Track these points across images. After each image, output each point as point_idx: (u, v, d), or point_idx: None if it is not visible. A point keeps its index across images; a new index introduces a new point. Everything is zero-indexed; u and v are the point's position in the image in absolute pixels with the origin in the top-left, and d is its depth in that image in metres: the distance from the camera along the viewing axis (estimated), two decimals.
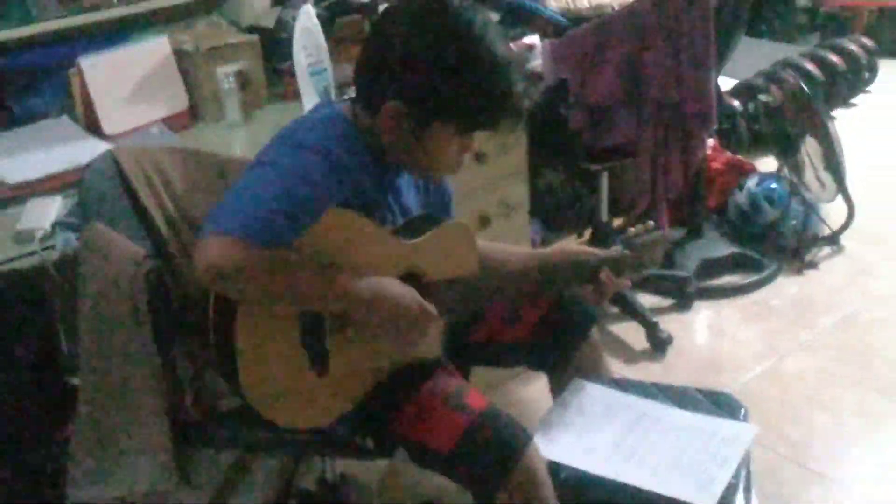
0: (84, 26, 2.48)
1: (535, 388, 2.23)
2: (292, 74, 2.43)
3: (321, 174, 1.54)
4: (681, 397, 1.82)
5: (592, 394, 1.81)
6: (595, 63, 2.69)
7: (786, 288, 3.27)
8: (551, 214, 3.29)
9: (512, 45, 2.73)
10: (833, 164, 3.46)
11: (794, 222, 3.42)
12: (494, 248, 1.90)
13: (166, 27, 2.62)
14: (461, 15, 1.56)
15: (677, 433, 1.70)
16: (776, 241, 3.43)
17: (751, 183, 3.55)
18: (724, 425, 1.72)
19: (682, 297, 3.16)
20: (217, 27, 2.70)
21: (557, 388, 1.88)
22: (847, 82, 4.70)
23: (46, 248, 1.82)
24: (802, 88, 3.65)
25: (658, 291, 3.20)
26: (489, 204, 2.58)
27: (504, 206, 2.63)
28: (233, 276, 1.44)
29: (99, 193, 1.77)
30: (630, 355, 2.93)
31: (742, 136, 4.06)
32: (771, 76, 4.08)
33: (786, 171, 3.54)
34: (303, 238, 1.50)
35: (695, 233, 3.42)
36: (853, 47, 4.77)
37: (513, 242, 2.22)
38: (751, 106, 4.05)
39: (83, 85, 2.33)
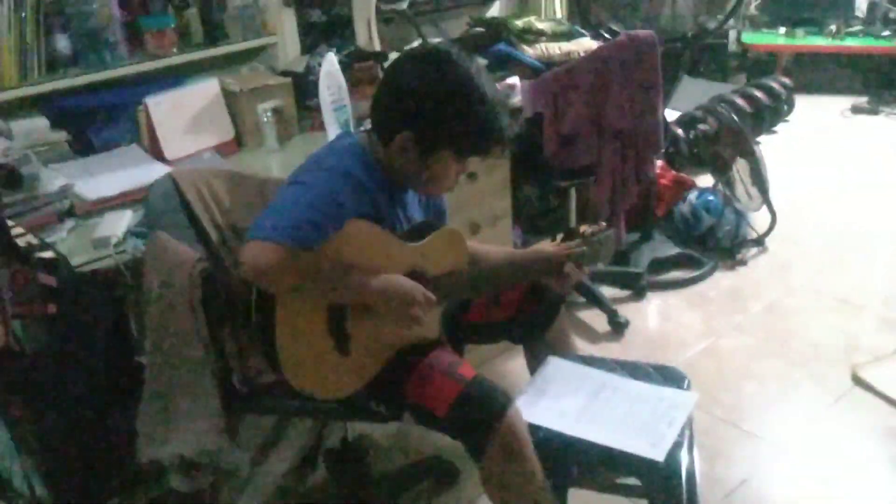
0: (149, 71, 2.47)
1: (514, 364, 2.22)
2: (318, 110, 2.42)
3: (343, 191, 1.55)
4: (635, 370, 1.81)
5: (563, 368, 1.81)
6: (565, 98, 2.69)
7: (721, 281, 3.26)
8: (530, 222, 3.29)
9: (497, 85, 2.73)
10: (759, 180, 3.46)
11: (727, 228, 3.41)
12: (481, 247, 1.91)
13: (216, 72, 2.62)
14: (460, 63, 1.57)
15: (633, 399, 1.70)
16: (713, 243, 3.42)
17: (692, 196, 3.54)
18: (670, 393, 1.72)
19: (637, 289, 3.16)
20: (257, 71, 2.70)
21: (532, 361, 1.89)
22: (770, 114, 4.69)
23: (119, 253, 1.83)
24: (733, 119, 3.64)
25: (617, 284, 3.19)
26: (479, 214, 2.57)
27: (491, 215, 2.63)
28: (270, 273, 1.44)
29: (161, 207, 1.78)
30: (594, 336, 2.92)
31: (685, 157, 4.04)
32: (708, 109, 4.07)
33: (720, 186, 3.53)
34: (329, 243, 1.50)
35: (647, 236, 3.41)
36: (774, 85, 4.76)
37: (498, 245, 2.21)
38: (692, 133, 4.04)
39: (148, 119, 2.33)
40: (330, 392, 1.63)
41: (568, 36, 3.21)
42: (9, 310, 1.63)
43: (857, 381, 2.55)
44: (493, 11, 3.85)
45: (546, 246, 1.81)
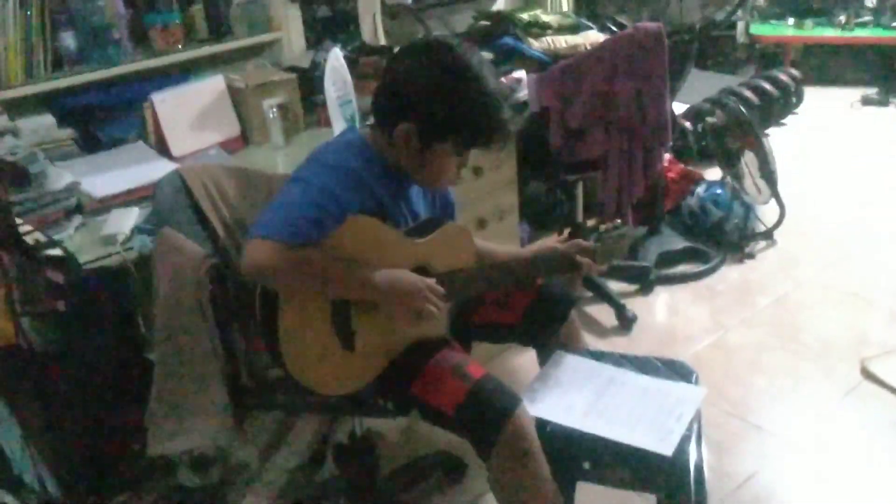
0: (155, 68, 2.49)
1: (524, 360, 2.23)
2: (324, 105, 2.43)
3: (343, 187, 1.55)
4: (643, 365, 1.82)
5: (571, 362, 1.81)
6: (571, 93, 2.69)
7: (729, 275, 3.25)
8: (537, 217, 3.29)
9: (503, 79, 2.73)
10: (767, 173, 3.45)
11: (735, 221, 3.41)
12: (489, 245, 1.91)
13: (221, 68, 2.63)
14: (462, 55, 1.57)
15: (641, 394, 1.70)
16: (721, 237, 3.41)
17: (700, 189, 3.54)
18: (679, 387, 1.72)
19: (645, 283, 3.15)
20: (262, 68, 2.70)
21: (543, 359, 1.89)
22: (778, 106, 4.68)
23: (127, 249, 1.84)
24: (742, 111, 3.63)
25: (625, 279, 3.19)
26: (486, 209, 2.58)
27: (498, 210, 2.63)
28: (270, 270, 1.46)
29: (168, 204, 1.78)
30: (602, 331, 2.92)
31: (692, 150, 4.04)
32: (716, 102, 4.06)
33: (728, 179, 3.53)
34: (332, 239, 1.51)
35: (654, 230, 3.41)
36: (783, 77, 4.75)
37: (505, 241, 2.22)
38: (699, 126, 4.04)
39: (155, 116, 2.34)
40: (334, 388, 1.63)
41: (574, 29, 3.21)
42: (18, 307, 1.64)
43: (867, 374, 2.55)
44: (499, 5, 3.84)
45: (553, 241, 1.81)
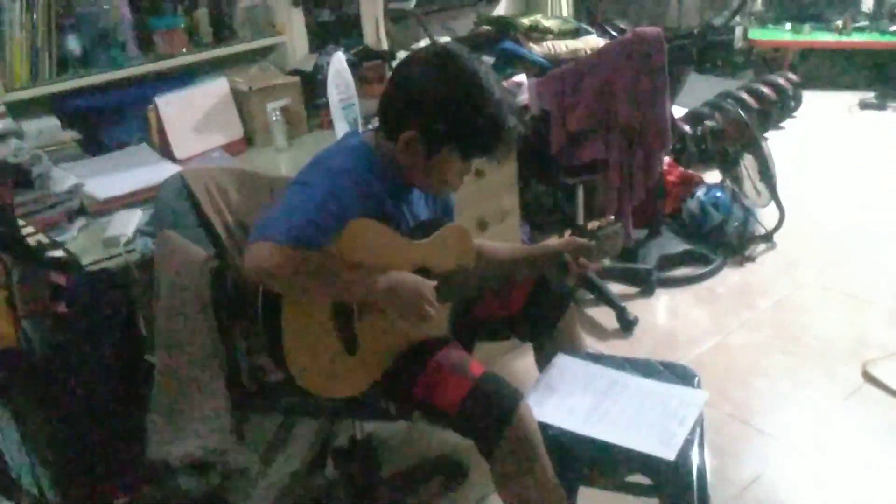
0: (159, 71, 2.46)
1: (524, 363, 2.19)
2: (327, 108, 2.40)
3: (346, 191, 1.53)
4: (645, 368, 1.79)
5: (573, 366, 1.78)
6: (571, 97, 2.66)
7: (730, 277, 3.22)
8: (537, 219, 3.26)
9: (504, 83, 2.70)
10: (767, 176, 3.42)
11: (735, 224, 3.38)
12: (488, 244, 1.89)
13: (225, 71, 2.60)
14: (467, 64, 1.55)
15: (643, 398, 1.67)
16: (721, 240, 3.38)
17: (700, 192, 3.51)
18: (681, 391, 1.69)
19: (646, 285, 3.12)
20: (266, 71, 2.68)
21: (541, 359, 1.87)
22: (777, 109, 4.65)
23: (129, 251, 1.81)
24: (740, 115, 3.61)
25: (625, 281, 3.16)
26: (487, 211, 2.55)
27: (499, 212, 2.60)
28: (273, 273, 1.44)
29: (171, 206, 1.76)
30: (603, 334, 2.89)
31: (692, 154, 4.00)
32: (715, 105, 4.03)
33: (728, 182, 3.50)
34: (334, 242, 1.49)
35: (655, 233, 3.38)
36: (781, 81, 4.71)
37: (506, 241, 2.19)
38: (699, 129, 4.00)
39: (158, 118, 2.31)
40: (337, 391, 1.61)
41: (574, 34, 3.19)
42: (19, 309, 1.62)
43: (868, 377, 2.51)
44: (500, 10, 3.82)
45: (553, 242, 1.78)
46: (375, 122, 1.68)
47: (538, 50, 3.00)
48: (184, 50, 2.49)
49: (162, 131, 2.31)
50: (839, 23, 5.27)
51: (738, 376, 2.59)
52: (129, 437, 1.74)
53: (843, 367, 2.58)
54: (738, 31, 5.50)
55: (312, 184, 1.54)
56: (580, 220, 2.95)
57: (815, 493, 2.11)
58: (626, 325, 2.89)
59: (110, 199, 2.01)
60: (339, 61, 2.35)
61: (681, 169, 3.68)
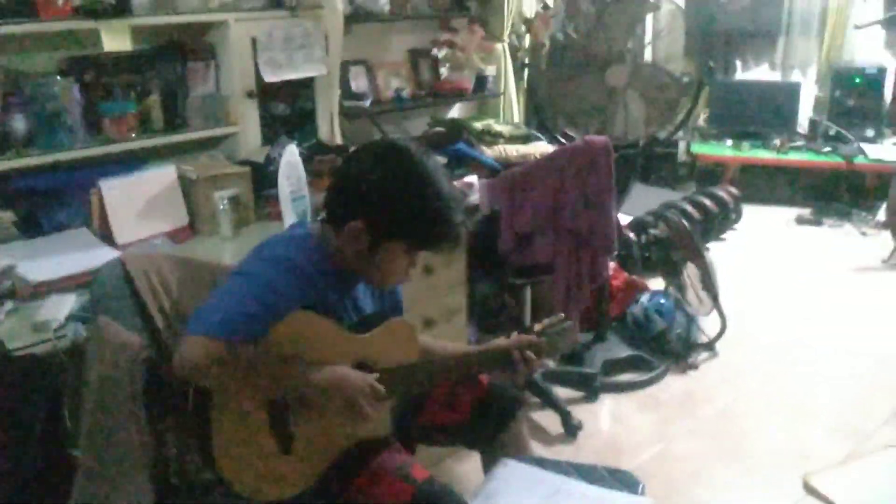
0: (105, 155, 2.44)
1: (469, 466, 2.15)
2: (276, 199, 2.40)
3: (286, 283, 1.51)
4: (590, 474, 1.76)
5: (517, 470, 1.74)
6: (521, 199, 2.72)
7: (673, 384, 3.24)
8: (484, 319, 3.26)
9: (455, 182, 2.75)
10: (709, 285, 3.50)
11: (679, 331, 3.43)
12: (433, 341, 1.87)
13: (175, 158, 2.59)
14: (417, 158, 1.57)
15: None
16: (665, 346, 3.42)
17: (644, 298, 3.56)
18: (625, 499, 1.67)
19: (590, 390, 3.12)
20: (216, 160, 2.68)
21: (488, 465, 1.82)
22: (718, 221, 4.81)
23: (59, 337, 1.74)
24: (684, 225, 3.71)
25: (570, 385, 3.15)
26: (434, 308, 2.54)
27: (446, 311, 2.60)
28: (205, 369, 1.40)
29: (107, 292, 1.71)
30: (547, 438, 2.85)
31: (637, 260, 4.10)
32: (659, 215, 4.15)
33: (671, 289, 3.57)
34: (272, 335, 1.46)
35: (600, 338, 3.40)
36: (722, 194, 4.89)
37: (452, 341, 2.17)
38: (643, 237, 4.11)
39: (101, 203, 2.28)
40: (271, 495, 1.54)
41: (525, 139, 3.29)
42: None
43: (810, 489, 2.52)
44: (454, 113, 3.93)
45: (502, 341, 1.77)
46: (324, 214, 1.68)
47: (490, 153, 3.08)
48: (133, 135, 2.48)
49: (104, 215, 2.28)
50: (777, 142, 5.54)
51: (681, 486, 2.56)
52: None
53: (785, 478, 2.58)
54: (682, 145, 5.73)
55: (251, 273, 1.52)
56: (527, 321, 2.96)
57: None
58: (571, 429, 2.87)
59: (44, 283, 1.95)
60: (291, 153, 2.36)
61: (626, 274, 3.74)
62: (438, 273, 2.51)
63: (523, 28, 4.27)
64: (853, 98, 5.54)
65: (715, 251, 4.10)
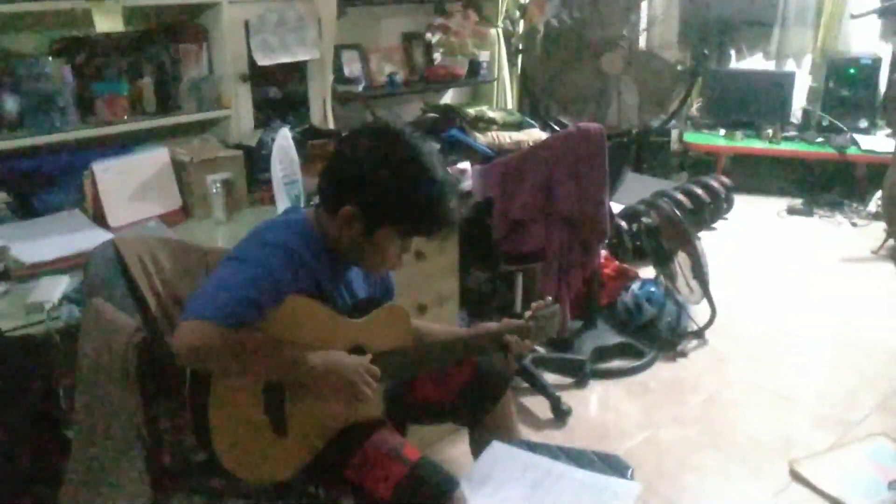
0: (98, 137, 2.45)
1: (458, 450, 2.18)
2: (269, 184, 2.41)
3: (281, 267, 1.53)
4: (579, 458, 1.79)
5: (507, 454, 1.78)
6: (514, 186, 2.74)
7: (662, 372, 3.28)
8: (476, 306, 3.29)
9: (449, 169, 2.77)
10: (699, 274, 3.54)
11: (668, 319, 3.46)
12: (426, 325, 1.90)
13: (167, 141, 2.60)
14: (412, 143, 1.58)
15: (576, 488, 1.67)
16: (654, 334, 3.46)
17: (635, 286, 3.59)
18: (614, 483, 1.70)
19: (580, 376, 3.16)
20: (209, 143, 2.68)
21: (476, 446, 1.86)
22: (710, 211, 4.84)
23: (53, 319, 1.76)
24: (675, 214, 3.75)
25: (560, 371, 3.19)
26: (426, 295, 2.57)
27: (438, 297, 2.63)
28: (203, 353, 1.42)
29: (100, 274, 1.73)
30: (537, 423, 2.89)
31: (628, 249, 4.13)
32: (650, 204, 4.17)
33: (662, 278, 3.60)
34: (267, 320, 1.48)
35: (590, 325, 3.44)
36: (714, 183, 4.92)
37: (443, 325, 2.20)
38: (635, 226, 4.14)
39: (94, 185, 2.29)
40: (265, 475, 1.57)
41: (518, 126, 3.30)
42: None
43: (795, 476, 2.57)
44: (447, 99, 3.95)
45: (492, 325, 1.80)
46: (318, 199, 1.70)
47: (482, 139, 3.09)
48: (125, 117, 2.49)
49: (97, 198, 2.29)
50: (770, 131, 5.57)
51: (668, 471, 2.61)
52: None
53: (770, 465, 2.63)
54: (675, 133, 5.76)
55: (246, 258, 1.54)
56: (518, 308, 3.00)
57: None
58: (560, 415, 2.91)
59: (37, 264, 1.97)
60: (284, 137, 2.38)
61: (617, 263, 3.78)
62: (431, 259, 2.54)
63: (518, 13, 4.27)
64: (847, 88, 5.58)
65: (706, 240, 4.13)
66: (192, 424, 1.54)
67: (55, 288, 1.86)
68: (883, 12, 5.54)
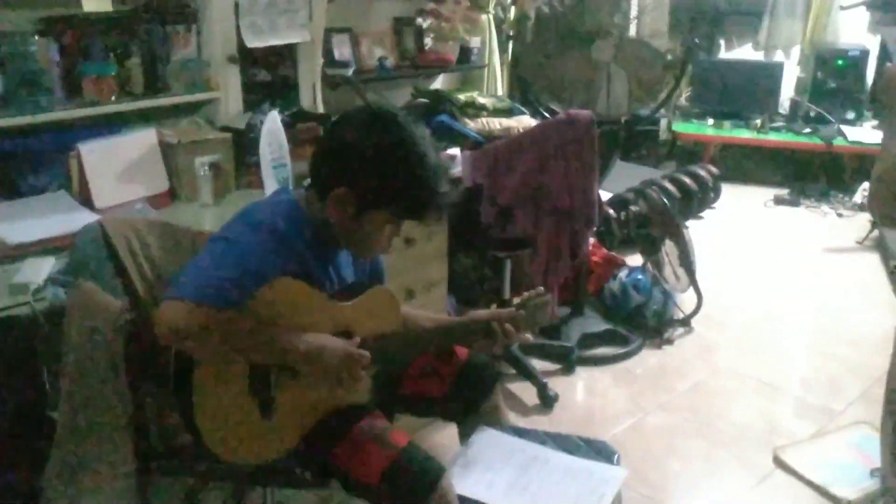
0: (85, 117, 2.42)
1: (446, 434, 2.18)
2: (257, 167, 2.39)
3: (268, 249, 1.51)
4: (566, 443, 1.80)
5: (494, 439, 1.77)
6: (503, 172, 2.73)
7: (648, 359, 3.30)
8: (464, 291, 3.28)
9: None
10: (686, 262, 3.55)
11: (655, 307, 3.47)
12: (414, 311, 1.89)
13: (155, 123, 2.57)
14: (405, 125, 1.57)
15: (563, 473, 1.67)
16: (641, 321, 3.47)
17: (622, 274, 3.60)
18: (600, 468, 1.71)
19: (567, 363, 3.17)
20: (197, 125, 2.66)
21: (464, 433, 1.85)
22: (697, 200, 4.85)
23: (38, 300, 1.74)
24: (663, 202, 3.75)
25: (547, 358, 3.20)
26: (415, 280, 2.56)
27: (427, 282, 2.62)
28: (185, 334, 1.40)
29: (87, 255, 1.71)
30: (524, 409, 2.90)
31: (616, 236, 4.13)
32: (639, 192, 4.18)
33: (649, 266, 3.61)
34: (253, 301, 1.46)
35: (577, 312, 3.45)
36: (702, 173, 4.93)
37: (432, 311, 2.19)
38: (623, 214, 4.14)
39: (80, 166, 2.26)
40: (251, 457, 1.56)
41: (508, 112, 3.29)
42: None
43: (779, 463, 2.58)
44: (437, 84, 3.92)
45: (482, 312, 1.79)
46: (307, 183, 1.68)
47: (472, 126, 3.08)
48: (113, 98, 2.46)
49: (83, 179, 2.26)
50: (757, 121, 5.59)
51: (654, 458, 2.62)
52: (27, 496, 1.64)
53: (755, 453, 2.64)
54: (663, 123, 5.77)
55: (233, 239, 1.52)
56: (506, 295, 2.99)
57: None
58: (547, 401, 2.91)
59: (22, 245, 1.94)
60: (273, 120, 2.36)
61: (605, 250, 3.78)
62: (419, 245, 2.53)
63: (509, 0, 4.25)
64: (835, 80, 5.59)
65: (693, 229, 4.14)
66: (178, 406, 1.53)
67: (40, 269, 1.83)
68: (871, 4, 5.56)
